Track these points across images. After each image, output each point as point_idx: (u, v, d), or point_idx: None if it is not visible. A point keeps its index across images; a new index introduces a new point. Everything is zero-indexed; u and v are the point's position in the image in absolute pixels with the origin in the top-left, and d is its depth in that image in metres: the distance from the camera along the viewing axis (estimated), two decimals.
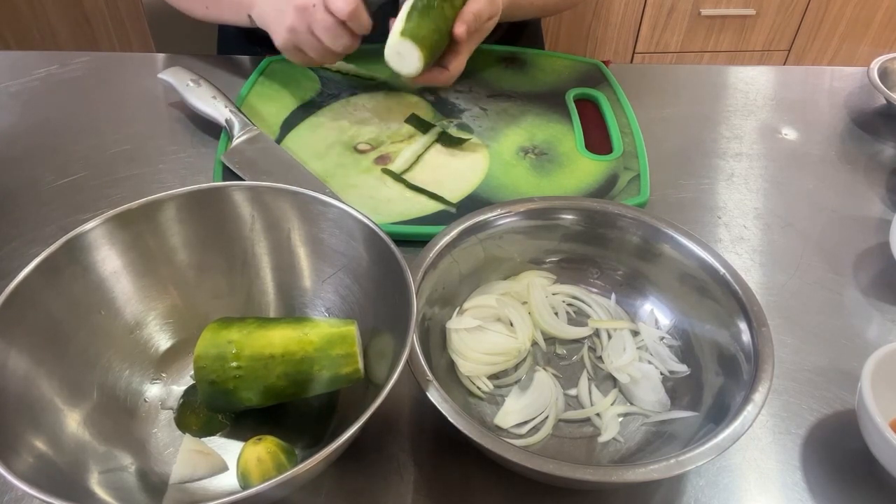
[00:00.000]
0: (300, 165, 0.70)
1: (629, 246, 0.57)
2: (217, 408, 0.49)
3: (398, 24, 0.69)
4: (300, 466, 0.36)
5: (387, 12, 0.72)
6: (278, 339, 0.46)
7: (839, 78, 0.93)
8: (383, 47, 0.73)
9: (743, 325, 0.49)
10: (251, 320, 0.48)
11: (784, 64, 1.85)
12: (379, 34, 0.72)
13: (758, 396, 0.44)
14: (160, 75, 0.78)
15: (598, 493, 0.48)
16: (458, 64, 0.74)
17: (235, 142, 0.71)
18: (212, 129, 0.75)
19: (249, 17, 0.77)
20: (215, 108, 0.74)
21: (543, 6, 0.93)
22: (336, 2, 0.67)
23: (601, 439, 0.50)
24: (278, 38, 0.73)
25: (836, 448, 0.51)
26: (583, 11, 1.73)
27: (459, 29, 0.70)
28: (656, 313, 0.57)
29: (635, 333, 0.56)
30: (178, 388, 0.50)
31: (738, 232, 0.69)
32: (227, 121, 0.72)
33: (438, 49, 0.72)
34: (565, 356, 0.56)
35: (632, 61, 1.81)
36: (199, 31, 1.03)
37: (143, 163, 0.72)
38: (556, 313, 0.57)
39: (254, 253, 0.53)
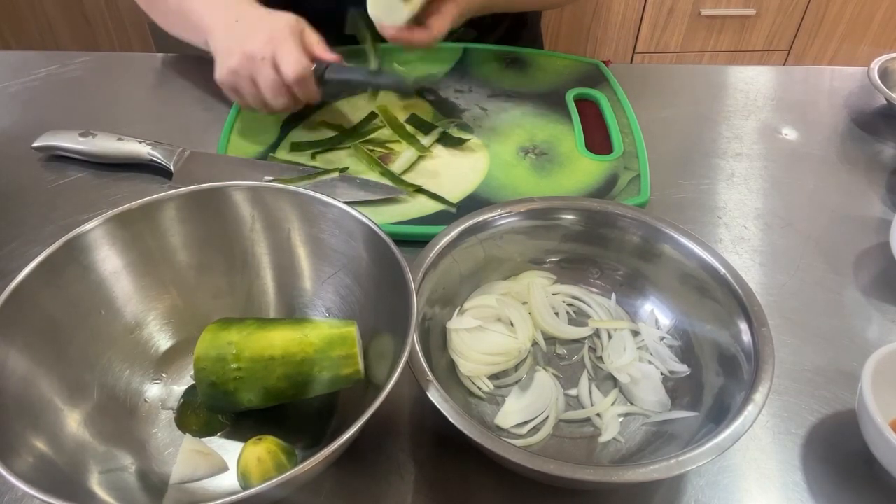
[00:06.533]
0: (259, 163, 0.69)
1: (629, 246, 0.57)
2: (217, 408, 0.49)
3: None
4: (300, 467, 0.36)
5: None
6: (278, 340, 0.46)
7: (839, 78, 0.93)
8: (382, 49, 0.73)
9: (743, 325, 0.49)
10: (251, 321, 0.48)
11: (784, 64, 1.85)
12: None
13: (758, 396, 0.44)
14: (35, 145, 0.70)
15: (598, 493, 0.48)
16: (441, 24, 0.69)
17: (177, 167, 0.68)
18: (211, 130, 0.75)
19: (207, 42, 0.73)
20: (130, 147, 0.69)
21: None
22: (286, 63, 0.65)
23: (601, 439, 0.50)
24: (219, 74, 0.69)
25: (836, 448, 0.51)
26: (583, 11, 1.73)
27: None
28: (656, 313, 0.57)
29: (635, 333, 0.56)
30: (179, 389, 0.50)
31: (739, 232, 0.69)
32: (149, 154, 0.69)
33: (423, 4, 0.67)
34: (565, 356, 0.56)
35: (632, 61, 1.81)
36: None
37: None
38: (557, 313, 0.57)
39: (254, 253, 0.53)
